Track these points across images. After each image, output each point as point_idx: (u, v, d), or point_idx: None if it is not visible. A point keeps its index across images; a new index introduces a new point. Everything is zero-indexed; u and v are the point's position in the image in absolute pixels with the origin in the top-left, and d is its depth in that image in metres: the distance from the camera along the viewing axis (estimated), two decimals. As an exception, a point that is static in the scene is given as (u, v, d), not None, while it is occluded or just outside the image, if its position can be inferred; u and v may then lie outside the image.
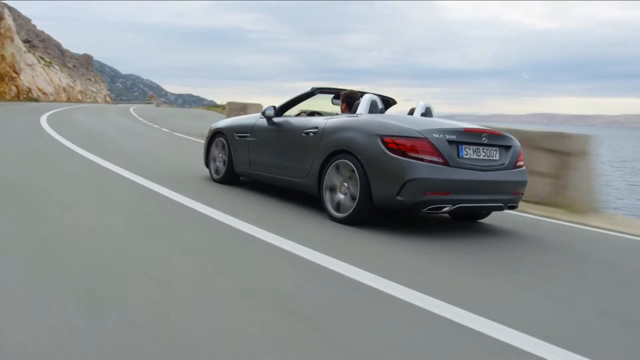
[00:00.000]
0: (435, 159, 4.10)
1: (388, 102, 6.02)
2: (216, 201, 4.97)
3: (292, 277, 2.97)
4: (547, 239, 4.66)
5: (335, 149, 4.55)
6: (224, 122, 6.46)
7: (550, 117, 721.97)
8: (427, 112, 5.18)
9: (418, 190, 4.06)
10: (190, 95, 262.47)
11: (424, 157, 4.08)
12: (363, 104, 4.80)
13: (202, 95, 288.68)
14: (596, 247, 4.76)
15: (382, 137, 4.21)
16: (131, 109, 36.03)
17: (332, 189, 4.58)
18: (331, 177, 4.58)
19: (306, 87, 5.47)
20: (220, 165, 6.26)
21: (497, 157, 4.48)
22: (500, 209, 4.57)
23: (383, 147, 4.18)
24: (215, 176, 6.29)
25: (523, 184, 4.65)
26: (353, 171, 4.35)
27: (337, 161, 4.53)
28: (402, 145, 4.11)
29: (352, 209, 4.33)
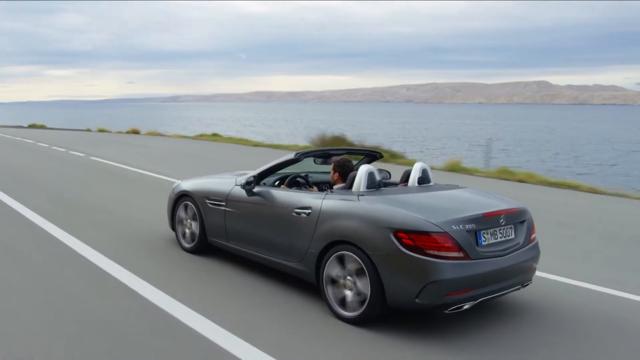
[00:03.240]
0: (456, 254, 3.64)
1: (374, 157, 5.55)
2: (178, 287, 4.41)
3: None
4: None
5: (337, 238, 3.99)
6: (189, 183, 5.70)
7: (268, 95, 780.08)
8: (424, 175, 4.72)
9: (440, 292, 3.60)
10: None
11: (445, 254, 3.60)
12: (360, 178, 4.26)
13: None
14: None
15: (394, 231, 3.69)
16: None
17: (335, 282, 4.04)
18: (333, 268, 4.03)
19: (289, 154, 4.89)
20: (189, 232, 5.57)
21: (513, 236, 4.10)
22: (517, 289, 4.20)
23: (396, 243, 3.66)
24: (186, 245, 5.59)
25: (537, 258, 4.31)
26: (360, 265, 3.84)
27: (339, 252, 3.98)
28: (419, 241, 3.62)
29: (363, 309, 3.83)
